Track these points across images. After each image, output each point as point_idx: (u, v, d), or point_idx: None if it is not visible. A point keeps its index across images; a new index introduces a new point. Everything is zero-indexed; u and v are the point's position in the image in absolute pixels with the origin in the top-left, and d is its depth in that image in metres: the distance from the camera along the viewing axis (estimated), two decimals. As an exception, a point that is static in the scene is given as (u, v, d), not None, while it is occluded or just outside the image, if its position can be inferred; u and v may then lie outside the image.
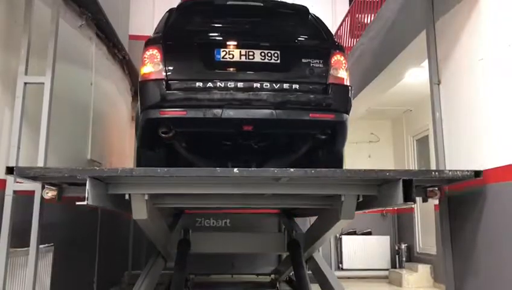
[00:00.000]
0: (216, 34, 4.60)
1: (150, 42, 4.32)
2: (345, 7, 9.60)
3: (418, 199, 3.80)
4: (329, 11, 11.62)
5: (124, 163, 8.04)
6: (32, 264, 3.92)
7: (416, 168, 9.70)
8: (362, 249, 9.71)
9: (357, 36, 7.93)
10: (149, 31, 11.68)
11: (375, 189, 3.61)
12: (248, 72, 4.24)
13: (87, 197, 3.05)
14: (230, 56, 4.22)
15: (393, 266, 9.83)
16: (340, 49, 4.47)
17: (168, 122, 4.13)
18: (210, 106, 4.05)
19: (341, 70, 4.33)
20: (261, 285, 6.26)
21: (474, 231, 3.71)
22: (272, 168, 3.39)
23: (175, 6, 4.93)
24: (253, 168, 3.51)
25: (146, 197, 3.42)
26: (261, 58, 4.24)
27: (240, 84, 4.12)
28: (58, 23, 4.35)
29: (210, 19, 4.77)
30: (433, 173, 3.43)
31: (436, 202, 4.09)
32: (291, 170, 3.26)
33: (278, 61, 4.26)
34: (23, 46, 4.11)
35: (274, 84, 4.17)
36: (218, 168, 3.26)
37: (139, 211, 3.43)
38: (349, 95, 4.37)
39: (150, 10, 11.24)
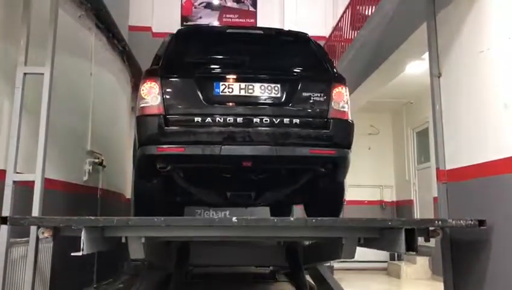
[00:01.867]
0: (215, 66, 4.49)
1: (148, 74, 4.20)
2: (345, -1, 9.58)
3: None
4: (331, 3, 11.59)
5: (123, 155, 8.05)
6: (32, 255, 3.92)
7: (416, 161, 9.73)
8: (361, 242, 9.72)
9: (357, 28, 7.90)
10: (148, 22, 11.63)
11: (377, 232, 3.57)
12: (248, 107, 4.17)
13: (83, 248, 3.01)
14: (230, 90, 4.15)
15: (392, 258, 9.88)
16: (341, 80, 4.39)
17: (166, 159, 4.06)
18: (209, 142, 3.99)
19: (342, 103, 4.26)
20: (261, 276, 6.28)
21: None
22: (272, 217, 3.34)
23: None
24: (252, 217, 3.45)
25: (143, 240, 3.38)
26: (261, 92, 4.18)
27: (239, 119, 4.05)
28: (57, 13, 4.33)
29: (209, 48, 4.68)
30: (436, 221, 3.43)
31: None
32: (291, 219, 3.26)
33: (278, 94, 4.20)
34: (23, 36, 4.09)
35: (274, 119, 4.09)
36: (216, 217, 3.22)
37: (136, 252, 3.40)
38: (351, 130, 4.30)
39: (149, 1, 11.21)
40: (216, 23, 11.73)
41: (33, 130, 4.19)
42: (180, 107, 4.13)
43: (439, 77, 4.29)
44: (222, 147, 3.94)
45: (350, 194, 9.96)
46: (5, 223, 3.12)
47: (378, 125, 10.69)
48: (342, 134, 4.23)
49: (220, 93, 4.13)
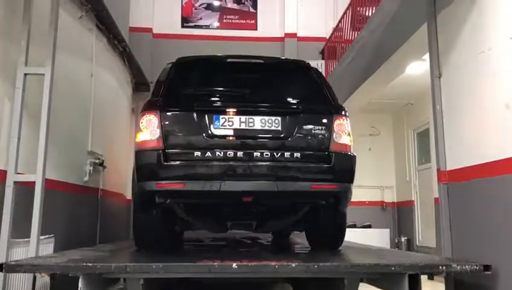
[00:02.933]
0: (215, 99, 4.46)
1: (147, 107, 4.18)
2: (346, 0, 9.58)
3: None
4: (331, 4, 11.59)
5: (124, 155, 8.06)
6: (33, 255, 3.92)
7: (417, 162, 9.73)
8: (362, 242, 9.69)
9: (358, 29, 7.90)
10: (149, 23, 11.59)
11: (380, 273, 3.56)
12: (248, 141, 4.14)
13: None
14: (230, 123, 4.12)
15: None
16: (342, 112, 4.37)
17: (165, 194, 4.07)
18: (209, 177, 3.97)
19: (344, 135, 4.23)
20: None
21: (475, 223, 3.72)
22: (273, 263, 3.33)
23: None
24: (253, 263, 3.45)
25: (141, 281, 3.34)
26: (261, 125, 4.15)
27: (240, 154, 4.03)
28: (58, 13, 4.34)
29: (209, 79, 4.66)
30: (440, 267, 3.41)
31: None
32: (293, 265, 3.24)
33: (279, 128, 4.16)
34: (23, 36, 4.10)
35: (275, 153, 4.07)
36: (216, 264, 3.21)
37: None
38: (353, 163, 4.27)
39: (150, 2, 11.22)
40: (216, 24, 11.73)
41: (34, 129, 4.19)
42: (179, 141, 4.11)
43: (439, 78, 4.30)
44: (222, 182, 3.91)
45: (351, 195, 9.95)
46: (1, 271, 3.06)
47: (378, 126, 10.69)
48: (343, 168, 4.20)
49: (220, 127, 4.10)
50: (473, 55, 3.78)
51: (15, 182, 3.88)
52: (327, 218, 4.59)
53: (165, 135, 4.00)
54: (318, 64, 10.48)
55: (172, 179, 3.94)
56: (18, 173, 3.93)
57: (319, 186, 4.08)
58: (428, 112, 8.82)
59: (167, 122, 4.07)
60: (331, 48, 10.46)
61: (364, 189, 10.37)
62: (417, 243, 9.47)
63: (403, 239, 9.73)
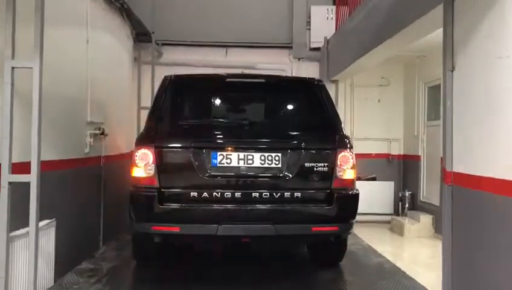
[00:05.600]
0: (213, 132, 4.24)
1: (142, 141, 4.07)
2: None
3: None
4: None
5: (126, 112, 7.93)
6: (32, 248, 3.92)
7: (426, 117, 9.49)
8: (366, 195, 9.70)
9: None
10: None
11: None
12: (246, 180, 4.01)
13: None
14: (228, 161, 3.97)
15: (396, 212, 9.97)
16: (348, 143, 4.19)
17: (161, 235, 4.10)
18: (205, 221, 3.90)
19: (348, 169, 4.06)
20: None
21: (476, 234, 3.62)
22: None
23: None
24: None
25: None
26: (261, 163, 3.98)
27: (238, 195, 3.90)
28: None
29: (206, 104, 4.48)
30: None
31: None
32: None
33: (279, 165, 3.99)
34: (8, 27, 3.82)
35: (274, 194, 3.92)
36: None
37: None
38: (356, 202, 4.14)
39: None
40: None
41: (27, 120, 4.02)
42: (175, 180, 4.02)
43: (452, 71, 4.01)
44: (219, 227, 3.85)
45: (357, 148, 9.83)
46: None
47: (389, 77, 10.33)
48: (345, 208, 4.09)
49: (218, 165, 3.96)
50: (490, 56, 3.47)
51: (10, 183, 3.81)
52: (328, 243, 4.60)
53: (160, 172, 3.91)
54: (328, 9, 9.96)
55: (169, 222, 3.91)
56: (13, 173, 3.84)
57: (319, 228, 4.01)
58: (441, 66, 8.44)
59: (162, 159, 3.97)
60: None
61: (371, 141, 10.27)
62: (421, 199, 9.50)
63: (407, 193, 9.75)
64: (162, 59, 9.69)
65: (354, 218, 4.21)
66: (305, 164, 4.03)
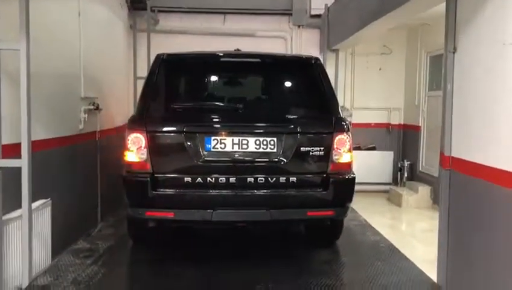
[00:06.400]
0: (206, 115, 4.14)
1: (133, 125, 3.98)
2: None
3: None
4: None
5: (122, 91, 7.80)
6: (26, 234, 3.92)
7: (427, 86, 9.32)
8: (365, 164, 9.73)
9: None
10: None
11: None
12: (241, 165, 3.93)
13: None
14: (222, 145, 3.88)
15: (395, 181, 9.97)
16: (345, 126, 4.08)
17: (155, 220, 4.12)
18: (200, 207, 3.86)
19: (344, 153, 3.95)
20: None
21: (474, 224, 3.58)
22: None
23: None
24: None
25: None
26: (256, 148, 3.91)
27: (232, 180, 3.83)
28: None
29: (200, 85, 4.33)
30: None
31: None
32: None
33: (274, 149, 3.91)
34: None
35: (270, 179, 3.85)
36: None
37: None
38: (352, 186, 4.08)
39: None
40: None
41: (16, 98, 3.92)
42: (168, 165, 3.95)
43: (453, 53, 3.87)
44: (214, 212, 3.82)
45: (357, 117, 9.77)
46: None
47: (391, 44, 10.08)
48: (341, 193, 4.04)
49: (212, 150, 3.88)
50: (495, 40, 3.33)
51: (0, 168, 3.76)
52: (325, 224, 4.57)
53: (153, 157, 3.84)
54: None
55: (162, 208, 3.88)
56: (4, 158, 3.79)
57: (315, 213, 3.97)
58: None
59: (155, 143, 3.90)
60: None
61: (371, 110, 10.16)
62: (420, 169, 9.48)
63: (406, 163, 9.72)
64: (158, 26, 9.43)
65: (351, 202, 4.18)
66: (301, 148, 3.96)
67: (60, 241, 4.91)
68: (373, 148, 10.20)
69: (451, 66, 3.87)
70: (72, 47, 5.65)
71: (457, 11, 3.82)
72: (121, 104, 7.78)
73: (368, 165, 9.78)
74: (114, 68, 7.58)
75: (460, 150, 3.77)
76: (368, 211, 8.12)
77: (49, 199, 4.70)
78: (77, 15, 5.76)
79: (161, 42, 9.20)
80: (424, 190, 8.79)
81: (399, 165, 9.90)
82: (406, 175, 9.68)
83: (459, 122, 3.80)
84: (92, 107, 6.05)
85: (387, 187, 9.81)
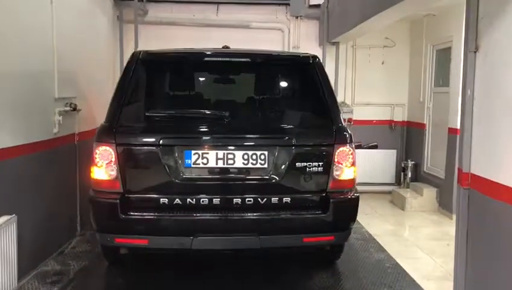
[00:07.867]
0: (187, 125, 3.56)
1: (101, 136, 3.44)
2: None
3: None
4: None
5: (106, 88, 7.23)
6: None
7: (433, 82, 8.77)
8: (367, 163, 9.21)
9: None
10: None
11: None
12: (226, 184, 3.41)
13: None
14: (204, 161, 3.36)
15: (398, 182, 9.46)
16: (347, 136, 3.53)
17: (127, 247, 3.71)
18: (178, 233, 3.34)
19: (346, 168, 3.40)
20: None
21: (495, 255, 3.07)
22: None
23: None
24: None
25: None
26: (244, 163, 3.37)
27: (216, 201, 3.29)
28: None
29: (179, 89, 3.82)
30: None
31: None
32: None
33: (265, 165, 3.38)
34: None
35: (259, 200, 3.30)
36: None
37: None
38: (355, 206, 3.55)
39: None
40: None
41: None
42: (141, 183, 3.41)
43: (475, 52, 3.31)
44: (194, 239, 3.29)
45: (358, 113, 9.24)
46: None
47: (394, 37, 9.50)
48: (343, 215, 3.52)
49: (192, 166, 3.35)
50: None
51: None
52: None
53: (124, 174, 3.31)
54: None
55: (135, 234, 3.35)
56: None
57: (312, 239, 3.44)
58: (452, 27, 7.68)
59: (127, 158, 3.36)
60: None
61: (373, 107, 9.63)
62: (424, 169, 8.95)
63: (409, 163, 9.19)
64: (147, 18, 8.89)
65: (354, 222, 3.65)
66: (296, 163, 3.44)
67: (30, 261, 4.41)
68: (375, 147, 9.64)
69: (472, 68, 3.31)
70: (43, 40, 5.07)
71: (480, 4, 3.25)
72: (104, 103, 7.18)
73: (369, 164, 9.29)
74: (96, 64, 7.00)
75: (482, 166, 3.23)
76: (370, 216, 7.66)
77: (13, 215, 4.17)
78: (49, 2, 5.16)
79: (150, 34, 8.67)
80: (429, 192, 8.27)
81: (402, 165, 9.36)
82: (409, 175, 9.15)
83: (481, 134, 3.26)
84: (68, 108, 5.49)
85: (389, 188, 9.30)
